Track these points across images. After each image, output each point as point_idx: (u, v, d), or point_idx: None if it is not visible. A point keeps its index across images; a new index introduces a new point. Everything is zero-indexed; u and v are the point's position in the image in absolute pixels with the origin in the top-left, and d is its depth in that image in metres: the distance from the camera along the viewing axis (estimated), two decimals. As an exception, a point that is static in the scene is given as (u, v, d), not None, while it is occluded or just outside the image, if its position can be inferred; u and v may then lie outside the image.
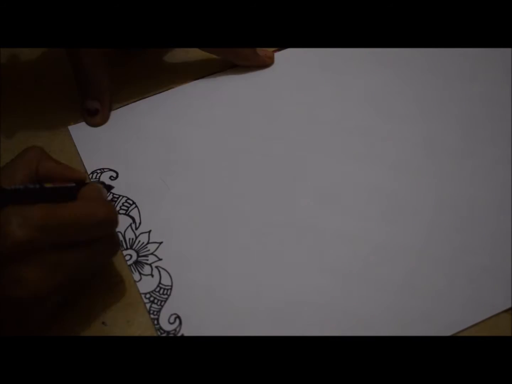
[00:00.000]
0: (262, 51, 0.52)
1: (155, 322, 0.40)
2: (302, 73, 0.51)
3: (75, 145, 0.49)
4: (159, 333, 0.39)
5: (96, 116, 0.50)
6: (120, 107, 0.51)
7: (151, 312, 0.40)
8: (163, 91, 0.51)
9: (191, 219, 0.44)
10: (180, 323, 0.40)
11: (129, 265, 0.42)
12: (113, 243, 0.39)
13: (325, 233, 0.43)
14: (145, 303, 0.40)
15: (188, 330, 0.39)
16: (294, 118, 0.49)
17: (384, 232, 0.42)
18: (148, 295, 0.41)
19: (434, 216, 0.43)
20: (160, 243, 0.43)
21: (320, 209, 0.44)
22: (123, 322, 0.40)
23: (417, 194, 0.44)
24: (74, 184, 0.39)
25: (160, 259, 0.42)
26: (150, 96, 0.51)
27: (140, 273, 0.42)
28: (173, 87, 0.52)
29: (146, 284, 0.41)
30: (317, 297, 0.40)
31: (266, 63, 0.52)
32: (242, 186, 0.45)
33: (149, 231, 0.43)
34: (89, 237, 0.36)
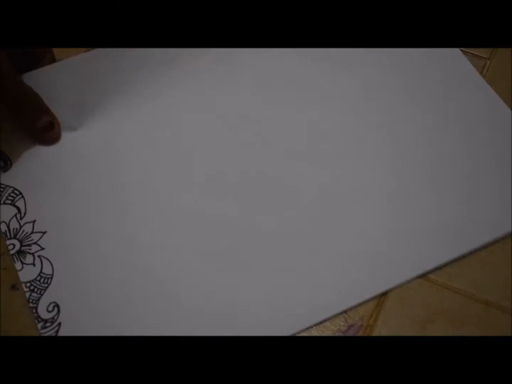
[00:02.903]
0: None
1: (34, 310, 0.40)
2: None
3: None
4: (36, 322, 0.39)
5: (54, 129, 0.46)
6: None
7: (30, 300, 0.40)
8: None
9: (76, 209, 0.44)
10: (59, 311, 0.40)
11: (12, 255, 0.42)
12: None
13: (208, 219, 0.44)
14: (25, 292, 0.41)
15: (65, 318, 0.40)
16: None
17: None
18: (28, 284, 0.41)
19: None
20: (44, 232, 0.43)
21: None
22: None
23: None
24: None
25: (43, 249, 0.42)
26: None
27: (22, 263, 0.42)
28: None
29: (27, 273, 0.41)
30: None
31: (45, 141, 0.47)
32: (136, 175, 0.46)
33: (34, 221, 0.44)
34: None
